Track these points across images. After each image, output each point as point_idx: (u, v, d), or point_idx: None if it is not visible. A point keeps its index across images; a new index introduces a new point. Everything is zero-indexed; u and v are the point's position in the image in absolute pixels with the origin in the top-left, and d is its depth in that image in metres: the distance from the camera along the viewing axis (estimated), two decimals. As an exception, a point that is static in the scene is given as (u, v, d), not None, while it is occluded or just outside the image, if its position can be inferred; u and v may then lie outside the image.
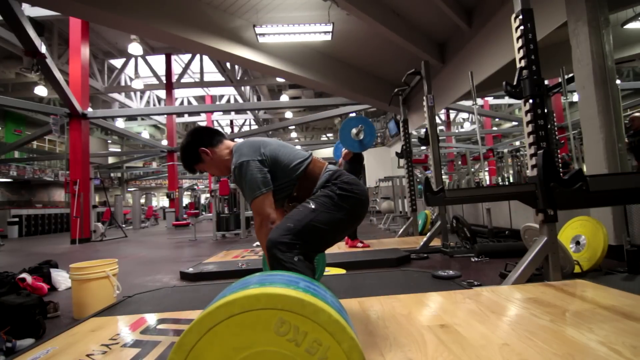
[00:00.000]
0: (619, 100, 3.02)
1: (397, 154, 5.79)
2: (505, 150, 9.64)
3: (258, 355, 0.78)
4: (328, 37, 5.53)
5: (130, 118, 21.61)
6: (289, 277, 0.95)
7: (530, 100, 2.32)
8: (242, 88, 14.50)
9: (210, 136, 1.64)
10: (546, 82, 4.68)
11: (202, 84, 13.53)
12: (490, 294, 1.99)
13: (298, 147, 1.69)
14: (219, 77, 13.05)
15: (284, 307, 0.77)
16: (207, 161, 1.63)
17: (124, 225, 12.63)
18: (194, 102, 18.64)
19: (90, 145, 8.99)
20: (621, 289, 1.89)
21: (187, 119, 20.53)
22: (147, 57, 12.91)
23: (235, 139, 1.72)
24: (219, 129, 1.79)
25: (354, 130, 4.29)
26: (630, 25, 6.33)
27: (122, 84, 13.88)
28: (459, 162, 10.51)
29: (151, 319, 1.99)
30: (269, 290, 0.79)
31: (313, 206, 1.45)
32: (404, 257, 3.50)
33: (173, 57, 13.55)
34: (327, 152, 25.02)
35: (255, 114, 19.03)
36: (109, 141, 24.91)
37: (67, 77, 8.66)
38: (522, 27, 2.34)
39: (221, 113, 19.54)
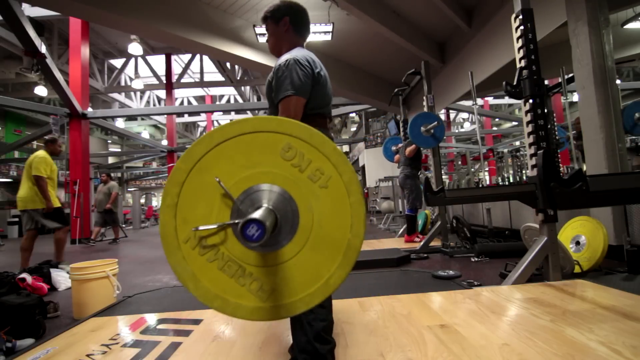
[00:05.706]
0: (619, 100, 3.02)
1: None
2: (505, 150, 9.64)
3: (262, 175, 0.81)
4: (328, 37, 5.53)
5: (130, 118, 21.61)
6: None
7: (530, 100, 2.32)
8: (242, 88, 14.49)
9: (304, 23, 1.48)
10: (546, 82, 4.67)
11: (202, 84, 13.51)
12: (490, 294, 1.99)
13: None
14: (219, 77, 13.02)
15: (292, 132, 0.80)
16: (279, 25, 1.45)
17: (124, 225, 12.61)
18: (194, 102, 18.63)
19: (90, 145, 8.98)
20: (621, 289, 1.89)
21: (187, 119, 20.52)
22: (147, 57, 12.89)
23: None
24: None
25: (423, 128, 4.28)
26: (630, 25, 6.34)
27: (122, 84, 13.85)
28: (459, 162, 10.50)
29: (151, 319, 1.99)
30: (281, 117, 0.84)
31: None
32: (404, 257, 3.50)
33: (173, 57, 13.52)
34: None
35: (256, 114, 19.03)
36: (109, 141, 24.87)
37: (67, 77, 8.65)
38: (522, 27, 2.34)
39: (221, 113, 19.52)
